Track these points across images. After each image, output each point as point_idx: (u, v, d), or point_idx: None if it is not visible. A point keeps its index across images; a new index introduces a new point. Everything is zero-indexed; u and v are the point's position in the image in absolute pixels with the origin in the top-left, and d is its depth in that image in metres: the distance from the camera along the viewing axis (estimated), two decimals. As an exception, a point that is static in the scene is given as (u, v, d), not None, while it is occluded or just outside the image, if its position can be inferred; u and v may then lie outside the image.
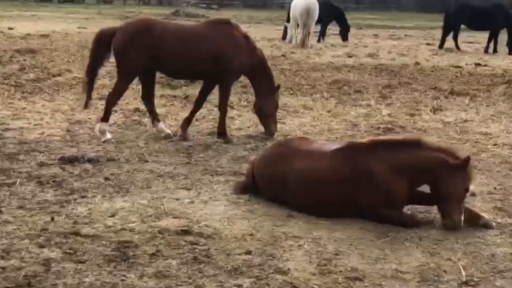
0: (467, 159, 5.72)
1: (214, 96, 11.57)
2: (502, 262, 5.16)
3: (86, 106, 8.91)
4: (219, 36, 8.66)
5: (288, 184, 6.18)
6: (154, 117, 8.95)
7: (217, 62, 8.58)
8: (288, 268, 4.90)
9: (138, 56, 8.38)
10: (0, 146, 7.98)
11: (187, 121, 8.99)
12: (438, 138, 9.21)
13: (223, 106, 8.92)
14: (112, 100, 8.66)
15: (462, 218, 5.75)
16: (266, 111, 9.04)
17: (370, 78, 15.03)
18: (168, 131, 8.90)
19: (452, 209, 5.72)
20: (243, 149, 8.46)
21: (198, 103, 9.12)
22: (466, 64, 18.44)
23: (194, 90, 11.95)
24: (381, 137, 6.34)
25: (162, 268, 4.81)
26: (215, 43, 8.60)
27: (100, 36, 8.71)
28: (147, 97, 8.95)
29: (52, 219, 5.68)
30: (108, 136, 8.54)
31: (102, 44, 8.63)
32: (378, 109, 11.44)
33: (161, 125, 8.96)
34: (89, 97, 8.82)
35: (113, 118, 9.79)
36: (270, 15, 43.91)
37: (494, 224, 5.90)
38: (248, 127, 9.69)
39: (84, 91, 8.88)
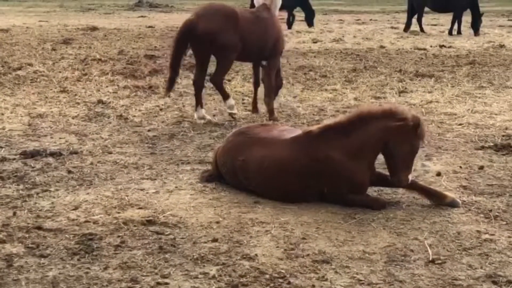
0: (417, 122, 5.69)
1: (179, 85, 11.45)
2: (468, 240, 5.17)
3: (169, 91, 9.30)
4: (275, 21, 9.42)
5: (250, 173, 6.13)
6: (199, 103, 9.16)
7: (276, 44, 9.37)
8: (255, 254, 4.86)
9: (232, 39, 8.82)
10: (-40, 143, 7.81)
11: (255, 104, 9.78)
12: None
13: (272, 83, 9.59)
14: (221, 82, 9.13)
15: (410, 177, 5.81)
16: (278, 84, 9.83)
17: (335, 63, 15.02)
18: (209, 117, 9.22)
19: (400, 167, 5.76)
20: (209, 137, 8.39)
21: (257, 83, 9.77)
22: (431, 46, 18.53)
23: (157, 80, 11.88)
24: (330, 121, 6.27)
25: (127, 259, 4.74)
26: (275, 28, 9.37)
27: (185, 28, 8.79)
28: (200, 80, 9.12)
29: (14, 214, 5.57)
30: (235, 110, 9.21)
31: (186, 36, 8.79)
32: (344, 93, 11.44)
33: (203, 112, 9.20)
34: (172, 85, 9.15)
35: (75, 110, 9.68)
36: (235, 3, 43.69)
37: (459, 202, 5.93)
38: (214, 115, 9.61)
39: (169, 80, 9.11)
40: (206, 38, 8.70)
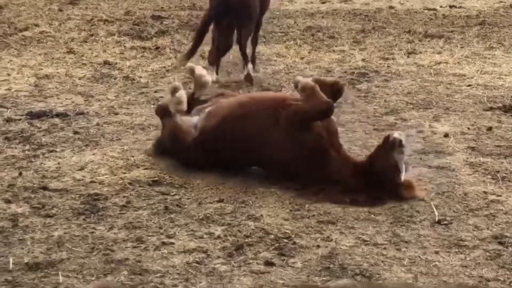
0: None
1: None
2: (475, 201, 5.15)
3: (187, 58, 9.19)
4: None
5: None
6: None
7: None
8: (261, 215, 4.86)
9: (256, 10, 9.20)
10: (-34, 104, 7.80)
11: None
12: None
13: None
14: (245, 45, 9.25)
15: None
16: None
17: (343, 23, 14.83)
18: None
19: None
20: (215, 98, 8.34)
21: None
22: (441, 7, 18.24)
23: (164, 41, 11.79)
24: None
25: (132, 219, 4.75)
26: None
27: (221, 2, 8.76)
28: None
29: (20, 174, 5.58)
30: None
31: (222, 9, 8.76)
32: (352, 54, 11.31)
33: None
34: (193, 53, 9.12)
35: (82, 71, 9.64)
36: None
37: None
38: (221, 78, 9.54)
39: (191, 50, 9.10)
40: (241, 9, 8.81)
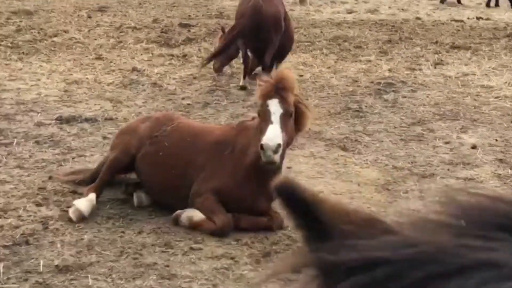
0: None
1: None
2: (503, 213, 5.12)
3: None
4: None
5: None
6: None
7: None
8: (288, 223, 4.87)
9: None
10: (-3, 107, 7.93)
11: None
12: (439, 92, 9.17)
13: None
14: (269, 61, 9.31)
15: None
16: None
17: (370, 33, 14.84)
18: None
19: None
20: (241, 107, 8.39)
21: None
22: (468, 18, 18.20)
23: (191, 48, 11.89)
24: None
25: (161, 225, 4.79)
26: None
27: (254, 15, 8.76)
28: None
29: (50, 178, 5.65)
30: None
31: (254, 22, 8.76)
32: (379, 64, 11.31)
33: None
34: (213, 59, 9.36)
35: (110, 77, 9.74)
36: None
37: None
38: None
39: (212, 56, 9.30)
40: (272, 23, 8.86)
